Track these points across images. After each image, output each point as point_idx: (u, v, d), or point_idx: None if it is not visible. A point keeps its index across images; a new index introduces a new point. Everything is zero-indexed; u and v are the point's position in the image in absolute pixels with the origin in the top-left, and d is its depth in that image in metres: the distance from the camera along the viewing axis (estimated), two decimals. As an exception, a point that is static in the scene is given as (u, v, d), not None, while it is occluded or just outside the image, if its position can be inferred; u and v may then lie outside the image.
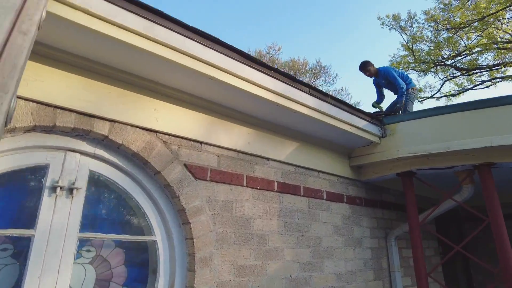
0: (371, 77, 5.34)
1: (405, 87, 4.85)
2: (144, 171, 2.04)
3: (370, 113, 3.14)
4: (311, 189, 2.88)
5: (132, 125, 1.94)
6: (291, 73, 20.72)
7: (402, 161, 3.09)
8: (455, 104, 2.91)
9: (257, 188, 2.45)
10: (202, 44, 1.92)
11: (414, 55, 16.36)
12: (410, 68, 16.46)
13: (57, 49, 1.69)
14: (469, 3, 14.54)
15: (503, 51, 15.15)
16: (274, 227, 2.48)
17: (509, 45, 14.93)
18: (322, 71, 19.76)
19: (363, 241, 3.29)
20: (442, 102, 16.48)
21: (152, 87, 2.04)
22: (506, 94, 2.72)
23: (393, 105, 4.96)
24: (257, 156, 2.53)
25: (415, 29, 16.55)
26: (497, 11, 14.09)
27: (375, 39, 35.34)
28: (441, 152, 2.79)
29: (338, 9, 32.72)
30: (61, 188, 1.72)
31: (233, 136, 2.40)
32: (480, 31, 14.98)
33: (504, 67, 15.14)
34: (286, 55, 31.41)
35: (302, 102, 2.43)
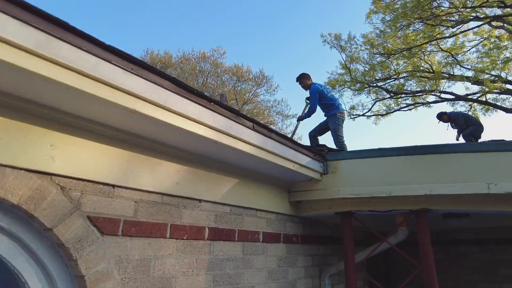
0: (305, 89, 5.46)
1: (312, 112, 5.19)
2: (30, 226, 1.52)
3: (313, 148, 2.97)
4: (247, 232, 2.57)
5: (14, 167, 1.42)
6: (234, 79, 20.51)
7: (342, 201, 2.97)
8: (400, 147, 2.87)
9: (183, 239, 2.06)
10: (123, 69, 1.48)
11: (350, 74, 17.31)
12: (346, 86, 17.37)
13: None
14: (400, 32, 15.81)
15: (425, 79, 16.82)
16: (201, 284, 2.11)
17: (428, 75, 16.61)
18: (264, 80, 19.88)
19: (297, 283, 3.08)
20: (371, 120, 17.65)
21: (49, 115, 1.53)
22: (445, 143, 2.75)
23: (301, 116, 5.40)
24: (187, 198, 2.14)
25: (353, 50, 17.54)
26: (422, 44, 15.56)
27: (317, 54, 36.97)
28: (383, 196, 2.71)
29: (285, 22, 33.56)
30: None
31: (158, 175, 1.98)
32: (407, 59, 16.43)
33: (425, 94, 16.82)
34: (230, 61, 31.17)
35: (245, 140, 2.11)
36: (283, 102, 21.58)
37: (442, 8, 13.00)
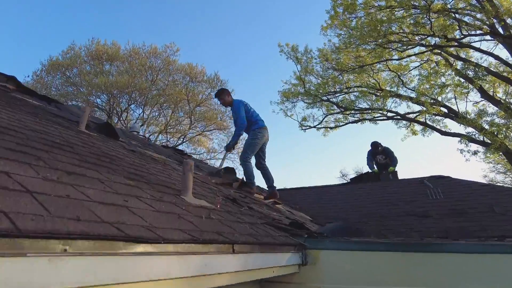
0: (225, 106, 5.09)
1: (240, 129, 4.66)
2: None
3: (291, 229, 2.60)
4: None
5: None
6: (187, 79, 19.53)
7: (320, 295, 2.64)
8: (389, 242, 2.63)
9: None
10: None
11: (304, 86, 17.47)
12: (300, 98, 17.50)
13: None
14: (352, 48, 16.27)
15: (374, 97, 17.63)
16: None
17: (377, 92, 17.43)
18: (219, 84, 19.21)
19: None
20: (320, 132, 18.02)
21: None
22: (433, 242, 2.56)
23: (228, 144, 4.95)
24: None
25: (308, 62, 17.70)
26: (373, 63, 16.22)
27: (273, 63, 37.12)
28: (363, 297, 2.43)
29: (243, 28, 33.05)
30: None
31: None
32: (358, 74, 17.04)
33: (372, 111, 17.61)
34: (184, 60, 29.83)
35: (223, 271, 1.65)
36: (236, 106, 21.07)
37: (394, 34, 13.56)
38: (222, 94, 4.91)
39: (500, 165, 22.49)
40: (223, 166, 5.00)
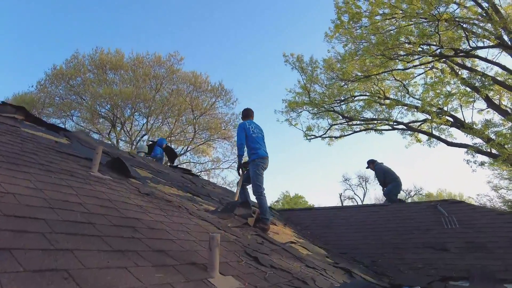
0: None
1: (238, 149, 4.86)
2: None
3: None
4: None
5: None
6: (191, 87, 19.43)
7: None
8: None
9: None
10: None
11: (309, 96, 17.40)
12: (305, 108, 17.43)
13: None
14: (356, 57, 16.18)
15: (379, 106, 17.58)
16: None
17: (381, 101, 17.36)
18: (223, 93, 19.14)
19: None
20: (325, 141, 17.91)
21: None
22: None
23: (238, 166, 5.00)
24: None
25: (313, 71, 17.63)
26: (378, 73, 16.15)
27: (279, 72, 37.08)
28: None
29: (246, 34, 32.96)
30: None
31: None
32: (362, 83, 16.97)
33: (378, 122, 17.51)
34: (188, 69, 29.87)
35: None
36: (241, 115, 20.95)
37: (402, 48, 13.46)
38: (241, 115, 5.35)
39: (506, 172, 22.28)
40: (237, 193, 4.92)
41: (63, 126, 19.89)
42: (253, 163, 4.64)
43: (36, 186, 2.18)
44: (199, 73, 19.48)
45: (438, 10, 12.30)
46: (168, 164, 10.96)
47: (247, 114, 5.21)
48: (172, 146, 21.42)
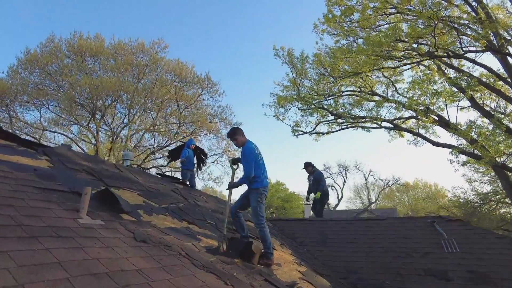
0: (238, 147, 4.46)
1: (247, 179, 4.20)
2: None
3: None
4: None
5: None
6: (176, 77, 18.66)
7: None
8: None
9: None
10: None
11: (298, 90, 17.09)
12: (294, 105, 17.13)
13: None
14: (349, 54, 15.94)
15: (368, 103, 17.56)
16: None
17: (374, 97, 17.35)
18: (210, 84, 18.48)
19: None
20: (312, 137, 17.79)
21: None
22: None
23: (231, 184, 4.40)
24: None
25: (302, 65, 17.27)
26: (370, 70, 15.99)
27: (268, 65, 36.34)
28: None
29: (232, 26, 31.91)
30: None
31: None
32: (352, 78, 16.84)
33: (366, 120, 17.47)
34: (173, 57, 28.68)
35: None
36: (228, 108, 20.39)
37: (396, 47, 13.29)
38: (236, 135, 4.34)
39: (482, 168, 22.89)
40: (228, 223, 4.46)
41: (39, 117, 18.65)
42: (256, 191, 4.25)
43: (16, 279, 1.76)
44: (184, 62, 18.70)
45: (431, 8, 12.12)
46: (196, 168, 10.36)
47: (242, 133, 4.44)
48: (156, 136, 20.69)
